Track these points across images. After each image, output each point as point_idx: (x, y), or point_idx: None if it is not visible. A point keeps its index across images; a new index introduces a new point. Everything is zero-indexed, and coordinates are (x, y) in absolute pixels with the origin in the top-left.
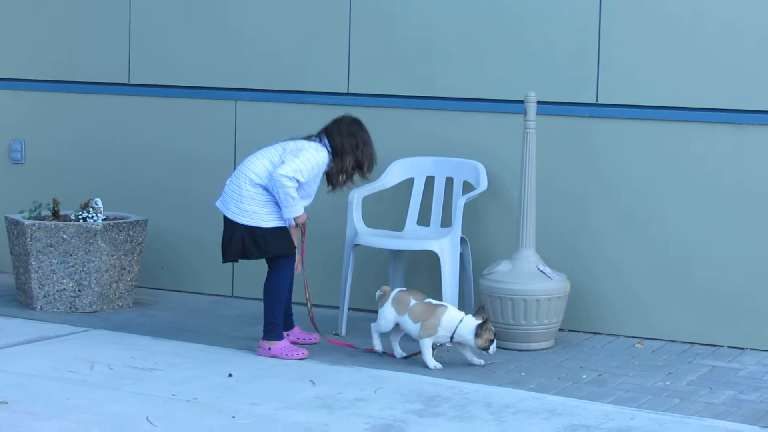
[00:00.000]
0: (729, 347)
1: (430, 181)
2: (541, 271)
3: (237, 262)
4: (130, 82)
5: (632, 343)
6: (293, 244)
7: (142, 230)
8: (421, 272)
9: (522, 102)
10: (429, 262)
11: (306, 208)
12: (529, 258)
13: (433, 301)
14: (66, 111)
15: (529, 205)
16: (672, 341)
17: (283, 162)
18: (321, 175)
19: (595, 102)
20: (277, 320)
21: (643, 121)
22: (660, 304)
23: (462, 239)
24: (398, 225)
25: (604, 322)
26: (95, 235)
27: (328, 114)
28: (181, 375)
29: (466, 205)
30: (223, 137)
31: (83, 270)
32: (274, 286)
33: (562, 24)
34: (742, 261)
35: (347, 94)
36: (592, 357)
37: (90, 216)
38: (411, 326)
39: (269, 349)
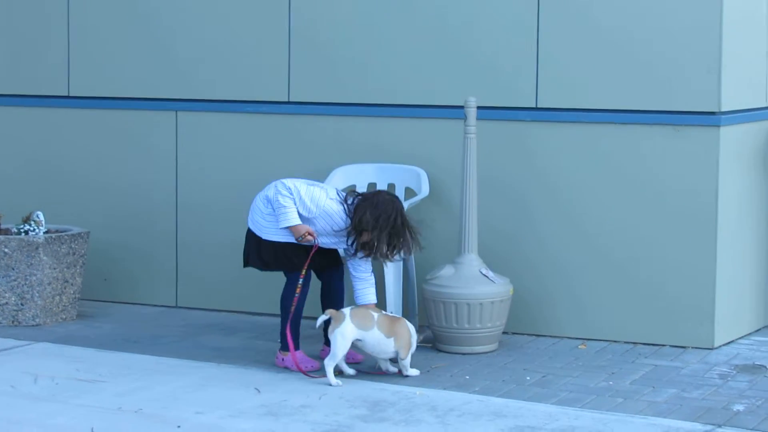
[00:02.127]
0: (671, 346)
1: (372, 187)
2: (484, 275)
3: (260, 269)
4: (70, 95)
5: (575, 345)
6: (296, 262)
7: (84, 242)
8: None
9: (462, 107)
10: (372, 268)
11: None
12: (471, 262)
13: (388, 313)
14: (6, 124)
15: (471, 210)
16: (615, 342)
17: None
18: (332, 221)
19: (534, 106)
20: (286, 332)
21: (583, 124)
22: (602, 305)
23: None
24: None
25: (547, 324)
26: (37, 248)
27: (269, 123)
28: (126, 386)
29: (408, 211)
30: (164, 148)
31: (25, 283)
32: (282, 297)
33: (501, 30)
34: (682, 261)
35: (288, 102)
36: (535, 359)
37: (32, 229)
38: (382, 341)
39: (282, 359)
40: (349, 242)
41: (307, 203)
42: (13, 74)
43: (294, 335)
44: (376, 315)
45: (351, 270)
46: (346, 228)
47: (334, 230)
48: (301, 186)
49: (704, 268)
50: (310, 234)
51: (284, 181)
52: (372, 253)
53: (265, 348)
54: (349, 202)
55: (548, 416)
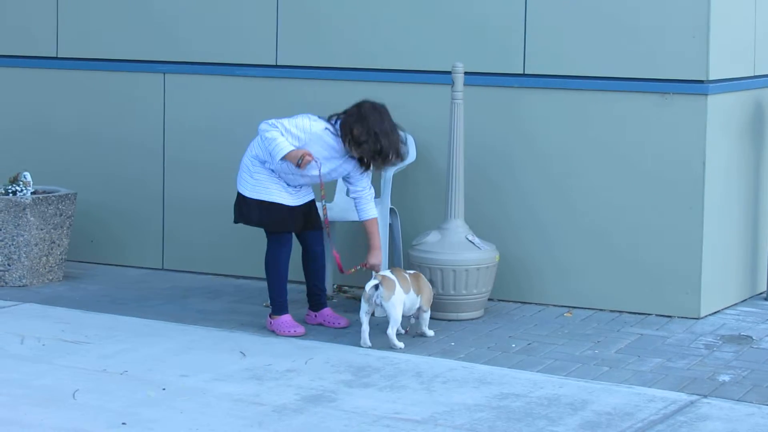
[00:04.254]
0: (657, 315)
1: None
2: (470, 241)
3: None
4: (59, 56)
5: (561, 312)
6: (279, 223)
7: (71, 204)
8: (350, 243)
9: (449, 73)
10: (358, 233)
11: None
12: (457, 228)
13: (410, 271)
14: None
15: (458, 176)
16: (600, 310)
17: None
18: (323, 142)
19: (522, 72)
20: (276, 295)
21: (570, 91)
22: (588, 273)
23: (391, 210)
24: (328, 197)
25: (533, 291)
26: (24, 209)
27: (257, 86)
28: (111, 348)
29: (395, 176)
30: (152, 110)
31: (12, 244)
32: (265, 261)
33: None
34: (669, 230)
35: (276, 66)
36: (521, 326)
37: (19, 190)
38: (414, 299)
39: (270, 323)
40: (350, 158)
41: (294, 131)
42: (1, 35)
43: (282, 299)
44: (408, 276)
45: (350, 188)
46: (340, 147)
47: (328, 152)
48: (284, 120)
49: (691, 238)
50: (308, 155)
51: (264, 120)
52: (374, 163)
53: (251, 311)
54: (333, 122)
55: (533, 384)
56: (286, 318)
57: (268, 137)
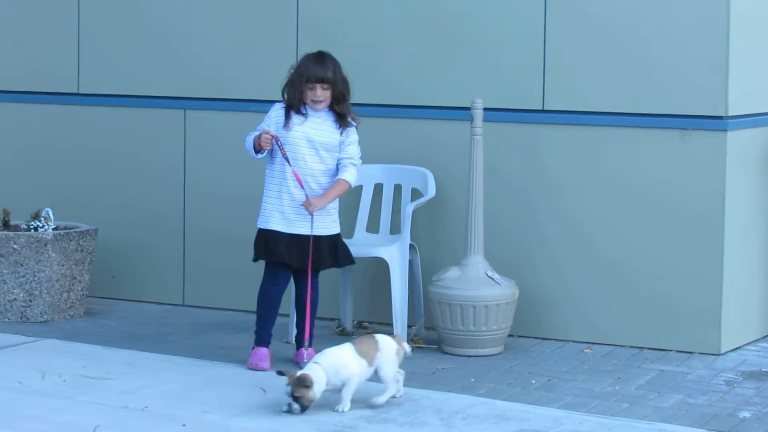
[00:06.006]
0: (677, 351)
1: (378, 188)
2: (490, 277)
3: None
4: (80, 92)
5: (581, 348)
6: (273, 253)
7: (92, 240)
8: (370, 280)
9: (469, 109)
10: (378, 269)
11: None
12: (477, 264)
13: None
14: (16, 121)
15: (477, 212)
16: (621, 346)
17: None
18: (281, 121)
19: (541, 108)
20: (258, 327)
21: (589, 127)
22: (608, 308)
23: (411, 246)
24: (347, 233)
25: (553, 327)
26: (46, 245)
27: None
28: (132, 384)
29: (414, 212)
30: (172, 146)
31: (34, 280)
32: (258, 292)
33: (508, 31)
34: (689, 266)
35: None
36: (541, 362)
37: (41, 225)
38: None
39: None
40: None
41: (261, 126)
42: (23, 71)
43: (262, 331)
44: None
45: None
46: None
47: (290, 122)
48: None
49: (711, 274)
50: (264, 133)
51: None
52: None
53: (272, 348)
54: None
55: (553, 420)
56: (260, 351)
57: (246, 147)
